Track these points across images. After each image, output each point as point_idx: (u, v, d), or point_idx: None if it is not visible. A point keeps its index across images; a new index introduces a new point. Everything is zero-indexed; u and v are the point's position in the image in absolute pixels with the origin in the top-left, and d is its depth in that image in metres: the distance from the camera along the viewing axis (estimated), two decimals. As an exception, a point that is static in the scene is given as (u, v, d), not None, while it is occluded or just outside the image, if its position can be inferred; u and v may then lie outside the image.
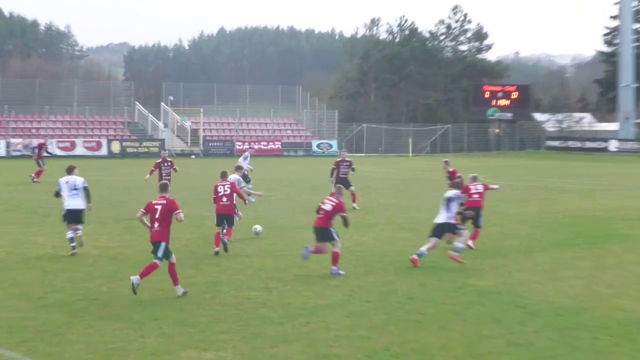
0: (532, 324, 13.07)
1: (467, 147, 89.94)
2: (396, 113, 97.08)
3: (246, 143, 75.88)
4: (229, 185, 20.04)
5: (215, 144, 76.10)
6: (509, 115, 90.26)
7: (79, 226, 19.52)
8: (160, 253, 14.82)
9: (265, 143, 77.74)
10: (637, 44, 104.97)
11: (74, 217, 19.38)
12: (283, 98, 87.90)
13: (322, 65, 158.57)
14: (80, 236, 19.49)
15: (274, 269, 17.57)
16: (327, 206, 17.20)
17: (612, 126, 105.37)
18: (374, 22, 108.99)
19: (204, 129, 76.76)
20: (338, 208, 17.12)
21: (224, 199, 19.76)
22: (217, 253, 19.30)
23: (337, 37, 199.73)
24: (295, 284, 15.95)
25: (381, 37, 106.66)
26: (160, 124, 76.46)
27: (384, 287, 15.75)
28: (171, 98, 78.49)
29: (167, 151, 35.56)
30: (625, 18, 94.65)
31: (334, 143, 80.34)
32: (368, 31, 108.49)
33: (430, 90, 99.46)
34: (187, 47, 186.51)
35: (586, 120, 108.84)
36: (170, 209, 15.01)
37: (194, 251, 19.83)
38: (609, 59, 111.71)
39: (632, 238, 22.33)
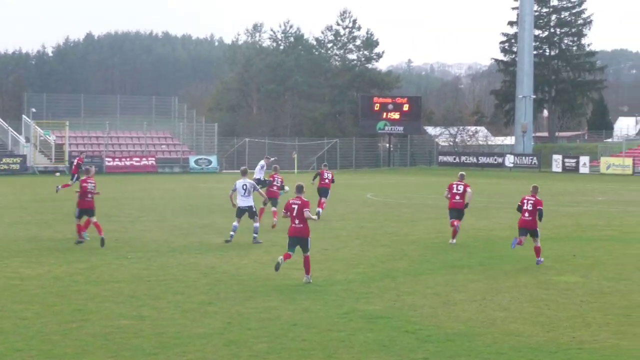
0: (422, 350, 13.36)
1: (356, 163, 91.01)
2: (280, 126, 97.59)
3: (117, 159, 75.00)
4: None
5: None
6: (400, 128, 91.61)
7: None
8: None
9: (137, 159, 76.91)
10: (536, 52, 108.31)
11: None
12: (157, 110, 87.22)
13: (200, 75, 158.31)
14: None
15: (146, 295, 17.47)
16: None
17: (509, 140, 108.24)
18: (257, 28, 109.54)
19: (69, 144, 75.49)
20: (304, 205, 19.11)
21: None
22: None
23: (216, 43, 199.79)
24: (170, 312, 15.90)
25: (264, 45, 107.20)
26: (22, 139, 74.88)
27: (266, 313, 15.85)
28: (33, 110, 76.97)
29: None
30: (524, 24, 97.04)
31: (214, 159, 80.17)
32: (250, 38, 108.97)
33: (317, 102, 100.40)
34: (50, 54, 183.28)
35: (481, 134, 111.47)
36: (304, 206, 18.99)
37: (59, 277, 19.54)
38: (507, 69, 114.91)
39: (528, 259, 22.99)
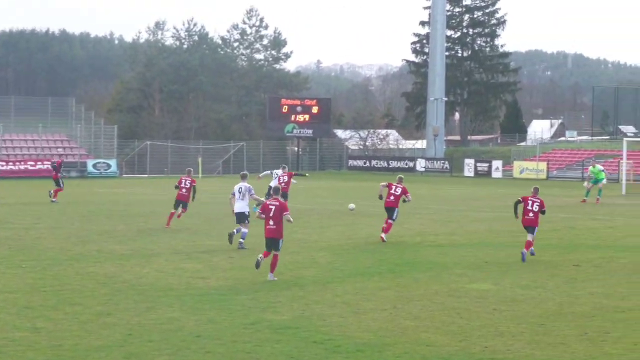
0: (331, 361, 13.43)
1: (263, 167, 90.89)
2: (184, 129, 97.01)
3: (10, 163, 73.62)
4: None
5: (-28, 163, 73.36)
6: (308, 131, 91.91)
7: None
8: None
9: (32, 163, 75.61)
10: (448, 53, 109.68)
11: None
12: (54, 111, 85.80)
13: (99, 75, 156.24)
14: None
15: (42, 306, 17.21)
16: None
17: (420, 144, 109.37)
18: (159, 26, 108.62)
19: (-42, 147, 73.84)
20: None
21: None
22: None
23: (116, 42, 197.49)
24: (67, 323, 15.68)
25: (167, 43, 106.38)
26: None
27: (168, 324, 15.74)
28: None
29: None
30: (436, 24, 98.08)
31: (113, 163, 79.29)
32: (152, 36, 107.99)
33: (223, 104, 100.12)
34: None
35: (392, 137, 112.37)
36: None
37: (-54, 289, 19.11)
38: (418, 70, 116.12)
39: (440, 265, 23.29)
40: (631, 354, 13.92)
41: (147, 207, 42.90)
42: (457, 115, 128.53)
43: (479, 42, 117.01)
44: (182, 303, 17.75)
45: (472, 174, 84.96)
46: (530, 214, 25.22)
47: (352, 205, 33.68)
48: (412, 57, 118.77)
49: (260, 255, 20.76)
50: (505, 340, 14.78)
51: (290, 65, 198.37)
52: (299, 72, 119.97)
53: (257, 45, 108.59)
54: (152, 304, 17.59)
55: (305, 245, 27.69)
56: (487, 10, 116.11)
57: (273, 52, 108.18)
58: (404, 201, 29.83)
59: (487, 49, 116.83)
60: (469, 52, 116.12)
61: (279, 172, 39.81)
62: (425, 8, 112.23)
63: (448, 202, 48.33)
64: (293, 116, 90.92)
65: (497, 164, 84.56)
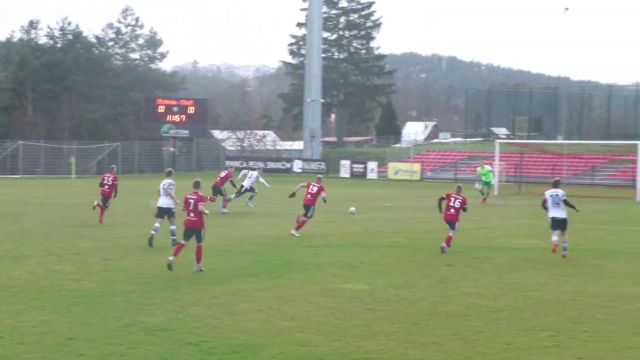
0: (206, 362, 13.38)
1: (139, 167, 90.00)
2: (58, 129, 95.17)
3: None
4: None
5: None
6: (185, 132, 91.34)
7: None
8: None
9: None
10: (325, 55, 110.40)
11: None
12: None
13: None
14: None
15: None
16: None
17: (297, 145, 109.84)
18: (33, 25, 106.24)
19: None
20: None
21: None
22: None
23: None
24: None
25: (40, 42, 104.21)
26: None
27: (41, 327, 15.44)
28: None
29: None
30: (313, 26, 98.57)
31: (-17, 163, 77.30)
32: (25, 35, 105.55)
33: (97, 104, 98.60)
34: None
35: (269, 138, 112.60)
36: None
37: None
38: (295, 72, 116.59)
39: (316, 266, 23.42)
40: (503, 353, 14.23)
41: (19, 208, 41.98)
42: (333, 117, 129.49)
43: (355, 44, 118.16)
44: (54, 305, 17.43)
45: (348, 175, 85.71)
46: (452, 210, 27.53)
47: (352, 209, 34.83)
48: (289, 59, 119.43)
49: (171, 257, 21.77)
50: (379, 340, 14.94)
51: (166, 65, 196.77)
52: (176, 72, 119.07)
53: (133, 45, 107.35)
54: (24, 307, 17.24)
55: (181, 246, 27.47)
56: (363, 13, 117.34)
57: (149, 51, 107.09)
58: (324, 201, 31.73)
59: (363, 51, 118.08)
60: (346, 54, 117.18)
61: (255, 172, 42.42)
62: (302, 10, 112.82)
63: (324, 204, 48.59)
64: (169, 116, 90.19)
65: (372, 165, 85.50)
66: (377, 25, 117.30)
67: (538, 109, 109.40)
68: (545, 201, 27.00)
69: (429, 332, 15.54)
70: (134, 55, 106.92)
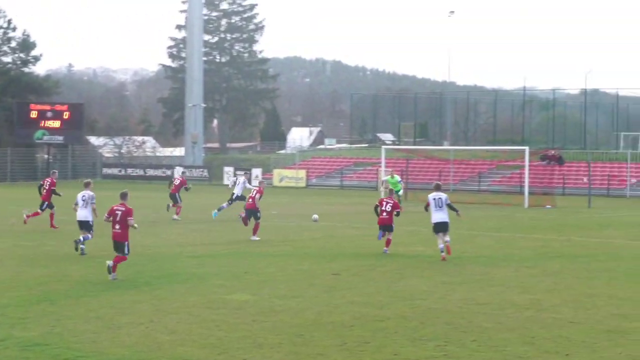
0: (83, 379, 13.15)
1: (11, 176, 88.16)
2: None
3: None
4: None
5: None
6: (60, 138, 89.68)
7: None
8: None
9: None
10: (207, 58, 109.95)
11: None
12: None
13: None
14: None
15: None
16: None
17: (178, 151, 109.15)
18: None
19: None
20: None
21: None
22: None
23: None
24: None
25: None
26: None
27: None
28: None
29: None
30: (193, 28, 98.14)
31: None
32: None
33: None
34: None
35: (149, 145, 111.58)
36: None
37: None
38: (175, 75, 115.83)
39: (198, 276, 23.26)
40: (389, 362, 14.34)
41: None
42: (216, 122, 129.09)
43: (237, 47, 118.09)
44: None
45: (231, 183, 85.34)
46: (385, 214, 29.28)
47: (315, 216, 38.25)
48: (168, 62, 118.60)
49: (109, 261, 22.51)
50: (264, 352, 14.90)
51: (39, 69, 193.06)
52: (49, 76, 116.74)
53: (5, 48, 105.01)
54: None
55: (55, 257, 26.99)
56: (245, 15, 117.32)
57: (21, 54, 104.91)
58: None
59: (246, 54, 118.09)
60: (228, 58, 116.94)
61: (242, 178, 44.18)
62: (181, 12, 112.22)
63: (207, 211, 48.35)
64: (43, 122, 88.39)
65: (256, 172, 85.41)
66: (259, 28, 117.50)
67: (424, 114, 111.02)
68: (428, 205, 27.96)
69: (314, 343, 15.56)
70: (6, 59, 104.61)
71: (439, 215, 27.42)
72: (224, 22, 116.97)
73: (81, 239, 27.92)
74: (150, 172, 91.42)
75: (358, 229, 37.56)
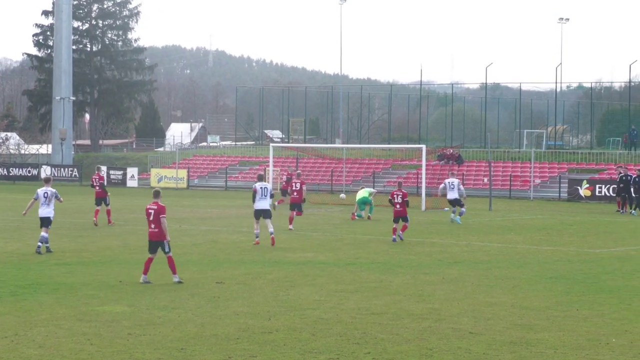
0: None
1: None
2: None
3: None
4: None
5: None
6: None
7: None
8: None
9: None
10: (76, 47, 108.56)
11: None
12: None
13: None
14: None
15: None
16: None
17: (45, 149, 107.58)
18: None
19: None
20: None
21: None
22: None
23: None
24: None
25: None
26: None
27: None
28: None
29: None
30: (61, 14, 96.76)
31: None
32: None
33: None
34: None
35: (12, 142, 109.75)
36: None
37: None
38: (42, 66, 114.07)
39: (67, 286, 22.98)
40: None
41: None
42: (87, 117, 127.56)
43: (110, 35, 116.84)
44: None
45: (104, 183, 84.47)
46: (398, 206, 34.42)
47: (343, 195, 46.08)
48: (34, 51, 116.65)
49: (143, 276, 23.68)
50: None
51: None
52: None
53: None
54: None
55: None
56: (118, 1, 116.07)
57: None
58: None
59: (120, 43, 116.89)
60: (99, 47, 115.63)
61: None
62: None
63: (78, 214, 47.81)
64: None
65: (132, 171, 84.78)
66: (134, 14, 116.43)
67: (314, 109, 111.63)
68: (255, 191, 33.37)
69: (196, 358, 15.52)
70: None
71: (261, 204, 33.38)
72: (95, 7, 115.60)
73: (40, 244, 29.91)
74: (15, 171, 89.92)
75: (244, 234, 37.52)
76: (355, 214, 47.23)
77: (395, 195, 34.96)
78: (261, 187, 33.33)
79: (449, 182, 45.68)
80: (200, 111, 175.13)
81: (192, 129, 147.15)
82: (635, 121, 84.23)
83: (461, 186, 46.22)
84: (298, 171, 51.75)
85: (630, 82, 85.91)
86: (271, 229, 33.24)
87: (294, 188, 41.07)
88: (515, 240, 37.12)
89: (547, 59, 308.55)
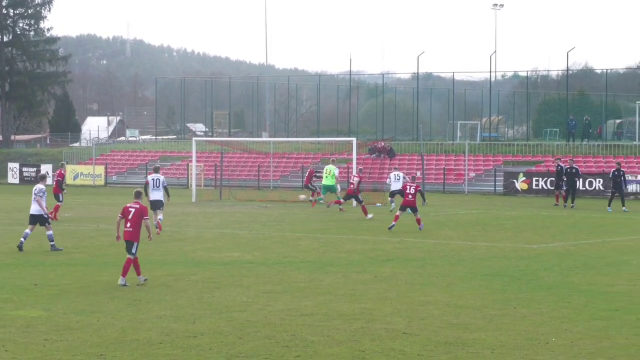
0: None
1: None
2: None
3: None
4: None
5: None
6: None
7: None
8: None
9: None
10: None
11: None
12: None
13: None
14: None
15: None
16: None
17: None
18: None
19: None
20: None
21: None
22: None
23: None
24: None
25: None
26: None
27: None
28: None
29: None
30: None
31: None
32: None
33: None
34: None
35: None
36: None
37: None
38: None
39: (-22, 290, 22.78)
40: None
41: None
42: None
43: (21, 24, 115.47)
44: None
45: (17, 181, 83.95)
46: (410, 196, 38.73)
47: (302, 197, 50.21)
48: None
49: (121, 278, 23.77)
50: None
51: None
52: None
53: None
54: None
55: None
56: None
57: None
58: None
59: (32, 33, 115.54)
60: (10, 37, 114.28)
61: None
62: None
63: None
64: None
65: (46, 168, 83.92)
66: (47, 2, 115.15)
67: (239, 101, 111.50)
68: (147, 184, 37.41)
69: (117, 364, 15.47)
70: None
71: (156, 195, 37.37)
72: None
73: (28, 232, 31.39)
74: None
75: (166, 233, 37.36)
76: (315, 199, 52.09)
77: (408, 187, 39.30)
78: (152, 179, 37.68)
79: (394, 175, 51.32)
80: (117, 104, 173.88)
81: (109, 123, 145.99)
82: (573, 111, 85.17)
83: (407, 177, 49.72)
84: (360, 167, 56.81)
85: (567, 70, 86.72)
86: (160, 217, 37.00)
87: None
88: (449, 236, 37.45)
89: (481, 47, 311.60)
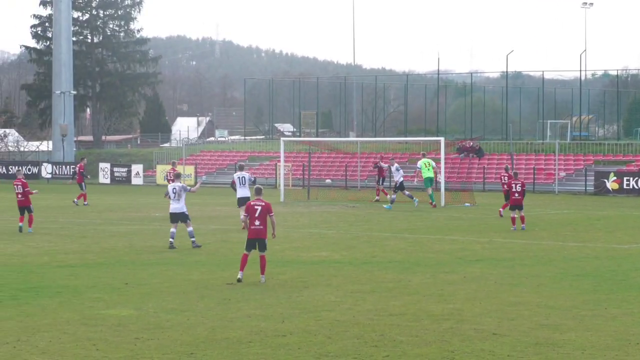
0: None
1: None
2: None
3: None
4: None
5: None
6: None
7: None
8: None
9: None
10: (76, 38, 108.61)
11: None
12: None
13: None
14: None
15: None
16: None
17: (45, 145, 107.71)
18: None
19: None
20: None
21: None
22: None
23: None
24: None
25: None
26: None
27: None
28: None
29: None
30: (60, 4, 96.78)
31: None
32: None
33: None
34: None
35: (12, 138, 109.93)
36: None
37: None
38: (41, 58, 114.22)
39: (71, 289, 23.02)
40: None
41: None
42: (88, 112, 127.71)
43: (111, 26, 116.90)
44: None
45: (108, 181, 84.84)
46: (516, 195, 38.39)
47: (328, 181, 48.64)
48: (32, 43, 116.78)
49: (240, 273, 24.19)
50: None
51: None
52: None
53: None
54: None
55: None
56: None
57: None
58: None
59: (122, 34, 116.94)
60: (100, 38, 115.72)
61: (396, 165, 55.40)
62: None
63: (80, 214, 47.91)
64: None
65: (137, 168, 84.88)
66: (137, 3, 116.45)
67: (327, 101, 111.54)
68: (233, 182, 38.01)
69: (207, 363, 15.56)
70: None
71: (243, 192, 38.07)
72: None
73: (174, 231, 32.35)
74: (14, 169, 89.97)
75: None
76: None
77: (514, 185, 38.57)
78: (238, 177, 38.69)
79: (395, 167, 54.00)
80: (207, 104, 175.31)
81: (198, 123, 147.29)
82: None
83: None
84: (515, 171, 52.03)
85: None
86: None
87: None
88: (539, 236, 37.08)
89: (570, 45, 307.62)
